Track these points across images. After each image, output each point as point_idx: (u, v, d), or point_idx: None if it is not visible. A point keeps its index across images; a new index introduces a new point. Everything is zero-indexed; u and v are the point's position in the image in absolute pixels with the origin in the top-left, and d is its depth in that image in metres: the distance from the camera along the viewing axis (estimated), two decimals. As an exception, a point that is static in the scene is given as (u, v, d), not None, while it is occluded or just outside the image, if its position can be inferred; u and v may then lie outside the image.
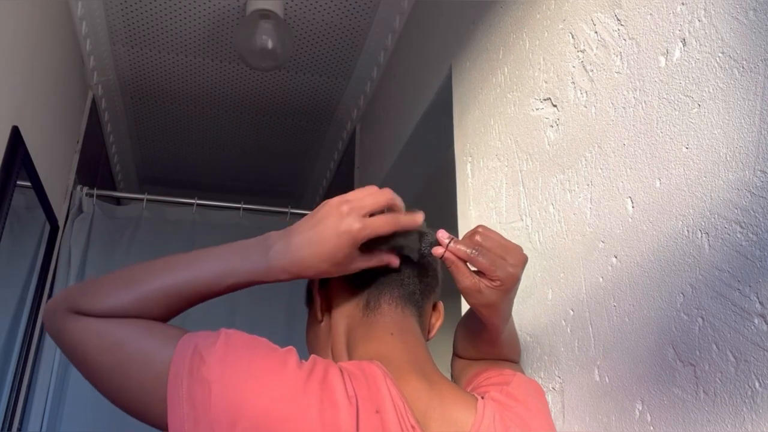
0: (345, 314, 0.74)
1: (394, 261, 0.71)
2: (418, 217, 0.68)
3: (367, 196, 0.66)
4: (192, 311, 0.66)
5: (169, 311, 0.64)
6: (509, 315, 0.75)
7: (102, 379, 0.62)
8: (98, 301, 0.62)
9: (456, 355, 0.87)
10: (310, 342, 0.79)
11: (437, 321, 0.80)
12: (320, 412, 0.56)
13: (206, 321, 0.88)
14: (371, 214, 0.66)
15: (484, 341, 0.81)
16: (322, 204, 0.66)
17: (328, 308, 0.76)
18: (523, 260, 0.69)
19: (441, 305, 0.81)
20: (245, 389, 0.56)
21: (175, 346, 0.60)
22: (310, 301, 0.79)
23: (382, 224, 0.66)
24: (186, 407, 0.56)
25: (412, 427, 0.60)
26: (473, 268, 0.69)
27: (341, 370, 0.61)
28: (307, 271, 0.65)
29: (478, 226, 0.70)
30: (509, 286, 0.69)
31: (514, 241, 0.70)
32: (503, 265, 0.67)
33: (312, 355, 0.63)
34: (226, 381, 0.56)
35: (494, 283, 0.68)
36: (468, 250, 0.68)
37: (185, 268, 0.65)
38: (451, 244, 0.69)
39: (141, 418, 0.61)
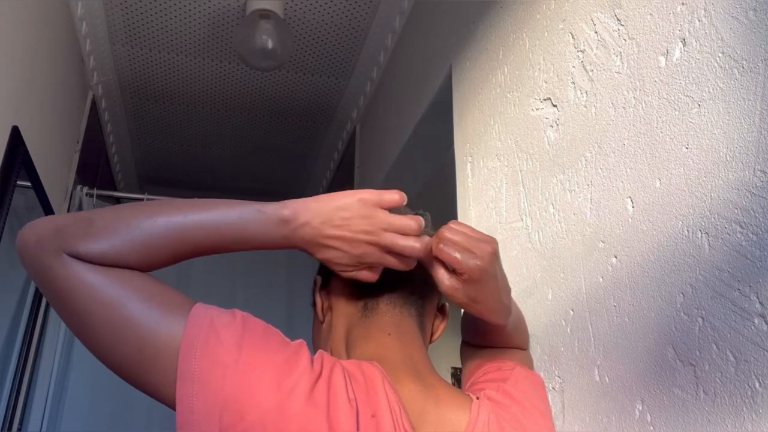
0: (345, 314, 0.74)
1: (372, 277, 0.69)
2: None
3: (383, 194, 0.67)
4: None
5: (174, 256, 0.61)
6: (503, 309, 0.72)
7: (91, 333, 0.57)
8: (95, 242, 0.56)
9: (463, 341, 0.87)
10: (314, 341, 0.80)
11: (442, 323, 0.80)
12: (327, 413, 0.56)
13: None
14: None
15: (490, 331, 0.80)
16: (351, 201, 0.65)
17: (329, 308, 0.77)
18: (489, 252, 0.68)
19: (447, 307, 0.80)
20: (259, 380, 0.56)
21: (185, 317, 0.57)
22: (315, 303, 0.79)
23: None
24: (197, 386, 0.55)
25: (406, 431, 0.60)
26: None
27: (344, 372, 0.61)
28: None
29: (450, 222, 0.70)
30: (475, 277, 0.67)
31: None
32: (467, 257, 0.66)
33: (319, 351, 0.63)
34: (242, 368, 0.56)
35: (462, 276, 0.67)
36: (436, 243, 0.68)
37: (198, 212, 0.61)
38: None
39: (131, 382, 0.58)
